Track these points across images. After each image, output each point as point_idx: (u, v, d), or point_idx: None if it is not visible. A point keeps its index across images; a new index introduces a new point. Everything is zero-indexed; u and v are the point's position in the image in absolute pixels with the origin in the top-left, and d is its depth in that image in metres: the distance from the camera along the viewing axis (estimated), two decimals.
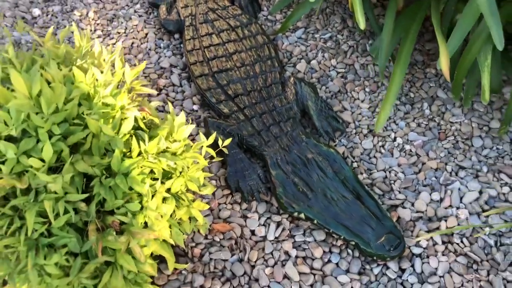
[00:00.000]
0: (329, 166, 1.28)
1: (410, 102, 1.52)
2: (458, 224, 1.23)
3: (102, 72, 0.99)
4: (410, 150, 1.40)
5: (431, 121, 1.47)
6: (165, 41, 1.76)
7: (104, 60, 1.06)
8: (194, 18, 1.72)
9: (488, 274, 1.15)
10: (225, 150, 1.20)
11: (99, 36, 1.78)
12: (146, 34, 1.78)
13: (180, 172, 1.04)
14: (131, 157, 0.97)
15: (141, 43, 1.76)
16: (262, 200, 1.31)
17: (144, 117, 1.04)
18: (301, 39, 1.73)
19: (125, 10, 1.89)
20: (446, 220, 1.24)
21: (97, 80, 0.96)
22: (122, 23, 1.83)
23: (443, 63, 1.18)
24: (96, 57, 1.04)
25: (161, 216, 0.99)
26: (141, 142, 0.97)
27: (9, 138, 0.89)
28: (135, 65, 1.66)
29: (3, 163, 0.87)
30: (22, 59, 1.02)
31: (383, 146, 1.42)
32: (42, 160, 0.87)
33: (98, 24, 1.83)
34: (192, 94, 1.58)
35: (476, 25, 1.25)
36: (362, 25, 1.38)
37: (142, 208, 0.97)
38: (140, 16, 1.86)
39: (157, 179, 1.00)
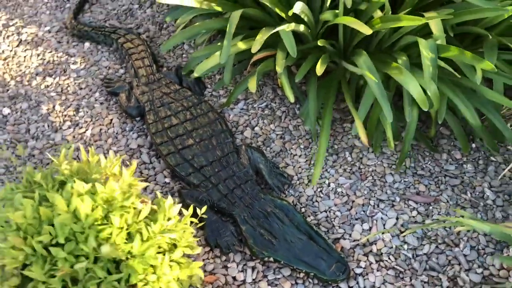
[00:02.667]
0: (284, 216, 1.66)
1: (335, 153, 1.95)
2: (385, 246, 1.66)
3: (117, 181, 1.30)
4: (342, 192, 1.82)
5: (353, 166, 1.90)
6: (129, 124, 2.06)
7: (108, 169, 1.36)
8: (152, 103, 2.04)
9: (411, 280, 1.58)
10: (204, 216, 1.54)
11: (69, 127, 2.05)
12: (111, 120, 2.08)
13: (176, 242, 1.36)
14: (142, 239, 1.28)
15: (108, 129, 2.05)
16: (237, 251, 1.66)
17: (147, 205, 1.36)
18: (244, 110, 2.11)
19: (87, 99, 2.17)
20: (375, 244, 1.66)
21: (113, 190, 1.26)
22: (87, 112, 2.11)
23: (360, 132, 1.62)
24: (102, 168, 1.34)
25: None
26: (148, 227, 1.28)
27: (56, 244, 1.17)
28: (107, 150, 1.94)
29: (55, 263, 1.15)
30: (45, 178, 1.29)
31: (321, 191, 1.83)
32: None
33: (65, 115, 2.10)
34: (162, 169, 1.90)
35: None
36: (291, 98, 1.80)
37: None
38: (101, 103, 2.15)
39: (159, 252, 1.32)
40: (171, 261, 1.33)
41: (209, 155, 1.85)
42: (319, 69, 1.60)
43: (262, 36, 1.73)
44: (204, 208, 1.46)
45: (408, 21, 1.49)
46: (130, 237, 1.27)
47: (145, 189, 1.82)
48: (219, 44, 1.98)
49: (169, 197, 1.40)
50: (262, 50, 1.92)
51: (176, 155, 1.86)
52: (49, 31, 2.51)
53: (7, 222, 1.21)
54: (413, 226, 1.70)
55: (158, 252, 1.31)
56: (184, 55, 2.38)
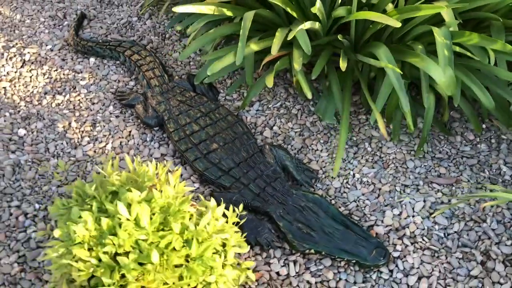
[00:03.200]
0: (318, 208, 1.71)
1: (355, 144, 2.01)
2: (417, 228, 1.72)
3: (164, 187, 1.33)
4: (367, 181, 1.88)
5: (374, 156, 1.97)
6: (148, 134, 2.08)
7: (157, 176, 1.39)
8: (170, 111, 2.06)
9: (446, 257, 1.65)
10: (241, 215, 1.57)
11: (88, 142, 2.05)
12: (130, 132, 2.09)
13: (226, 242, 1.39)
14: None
15: (128, 141, 2.06)
16: (277, 247, 1.69)
17: (197, 209, 1.39)
18: (259, 111, 2.16)
19: (101, 113, 2.18)
20: (408, 227, 1.73)
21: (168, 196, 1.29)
22: (104, 126, 2.12)
23: (380, 123, 1.69)
24: (152, 176, 1.36)
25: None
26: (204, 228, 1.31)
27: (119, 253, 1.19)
28: (134, 158, 1.96)
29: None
30: (96, 190, 1.31)
31: (347, 182, 1.89)
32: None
33: (83, 131, 2.10)
34: (189, 175, 1.92)
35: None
36: (309, 95, 1.86)
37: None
38: (117, 116, 2.16)
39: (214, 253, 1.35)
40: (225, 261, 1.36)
41: (235, 157, 1.89)
42: (342, 64, 1.66)
43: (279, 37, 1.78)
44: (241, 207, 1.50)
45: (427, 10, 1.56)
46: (186, 241, 1.29)
47: None
48: (228, 47, 2.02)
49: (212, 199, 1.43)
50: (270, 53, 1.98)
51: (204, 160, 1.88)
52: (52, 50, 2.50)
53: (68, 236, 1.21)
54: (440, 207, 1.77)
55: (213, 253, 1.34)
56: (191, 63, 2.41)
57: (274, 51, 1.75)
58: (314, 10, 1.66)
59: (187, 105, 2.09)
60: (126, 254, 1.19)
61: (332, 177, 1.90)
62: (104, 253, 1.17)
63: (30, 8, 2.76)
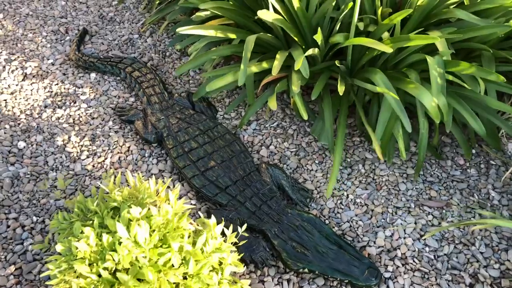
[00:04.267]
0: (313, 228, 1.75)
1: (349, 166, 2.06)
2: (408, 250, 1.77)
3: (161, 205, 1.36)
4: (361, 202, 1.93)
5: (367, 177, 2.02)
6: (147, 150, 2.12)
7: (157, 192, 1.42)
8: (169, 128, 2.10)
9: (436, 279, 1.69)
10: (245, 234, 1.60)
11: (87, 157, 2.08)
12: (129, 148, 2.12)
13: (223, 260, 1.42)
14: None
15: (127, 156, 2.09)
16: (271, 265, 1.73)
17: (195, 228, 1.42)
18: (256, 130, 2.20)
19: (101, 128, 2.21)
20: (399, 249, 1.77)
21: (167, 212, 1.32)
22: (103, 141, 2.15)
23: (377, 148, 1.74)
24: (153, 192, 1.40)
25: None
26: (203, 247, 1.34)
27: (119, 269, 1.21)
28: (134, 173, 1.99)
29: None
30: (98, 206, 1.34)
31: (341, 203, 1.93)
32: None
33: (82, 145, 2.13)
34: (186, 191, 1.95)
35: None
36: (305, 116, 1.91)
37: None
38: (116, 132, 2.19)
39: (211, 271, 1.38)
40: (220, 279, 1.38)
41: (232, 175, 1.93)
42: (340, 88, 1.72)
43: (280, 59, 1.84)
44: (245, 227, 1.53)
45: (419, 40, 1.63)
46: (184, 259, 1.32)
47: None
48: (229, 67, 2.08)
49: (212, 216, 1.46)
50: (271, 74, 2.04)
51: (201, 177, 1.92)
52: (53, 64, 2.54)
53: (69, 251, 1.24)
54: (431, 230, 1.82)
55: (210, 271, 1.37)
56: (191, 81, 2.46)
57: (275, 72, 1.80)
58: (317, 38, 1.72)
59: (186, 122, 2.13)
60: (126, 270, 1.22)
61: (326, 197, 1.94)
62: (104, 269, 1.19)
63: (33, 23, 2.81)
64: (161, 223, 1.29)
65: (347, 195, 1.96)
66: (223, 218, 1.79)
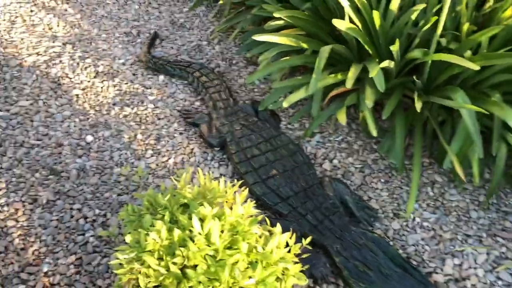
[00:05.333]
0: (378, 248, 1.67)
1: (417, 188, 1.97)
2: (479, 281, 1.65)
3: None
4: (428, 226, 1.83)
5: (436, 201, 1.92)
6: (209, 154, 2.11)
7: (226, 192, 1.40)
8: (233, 134, 2.10)
9: None
10: (307, 247, 1.55)
11: (151, 155, 2.10)
12: (192, 150, 2.13)
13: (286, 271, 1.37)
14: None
15: (190, 158, 2.10)
16: (331, 282, 1.66)
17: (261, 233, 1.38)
18: (320, 143, 2.16)
19: (166, 129, 2.23)
20: (469, 279, 1.66)
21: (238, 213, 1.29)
22: (168, 141, 2.17)
23: (457, 167, 1.65)
24: (222, 192, 1.38)
25: None
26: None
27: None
28: (191, 179, 1.98)
29: None
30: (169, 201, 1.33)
31: (407, 225, 1.84)
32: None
33: (147, 144, 2.16)
34: (246, 198, 1.92)
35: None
36: (375, 133, 1.85)
37: None
38: (181, 133, 2.21)
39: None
40: None
41: (294, 185, 1.88)
42: (417, 104, 1.65)
43: (354, 72, 1.80)
44: (309, 239, 1.48)
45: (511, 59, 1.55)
46: (250, 263, 1.29)
47: None
48: (299, 78, 2.05)
49: (278, 224, 1.42)
50: (340, 86, 2.00)
51: (262, 185, 1.89)
52: (124, 64, 2.61)
53: (137, 243, 1.23)
54: (505, 262, 1.70)
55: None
56: (255, 90, 2.46)
57: (349, 85, 1.76)
58: (394, 48, 1.68)
59: (250, 129, 2.12)
60: (193, 268, 1.19)
61: (391, 218, 1.86)
62: (173, 263, 1.18)
63: (107, 24, 2.91)
64: (231, 224, 1.26)
65: (414, 217, 1.86)
66: (283, 228, 1.74)
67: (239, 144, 2.05)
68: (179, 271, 1.17)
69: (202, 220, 1.23)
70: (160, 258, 1.19)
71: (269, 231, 1.43)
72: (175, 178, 1.48)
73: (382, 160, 2.08)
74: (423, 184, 1.98)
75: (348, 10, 1.86)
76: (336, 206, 1.83)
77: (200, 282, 1.15)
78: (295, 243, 1.46)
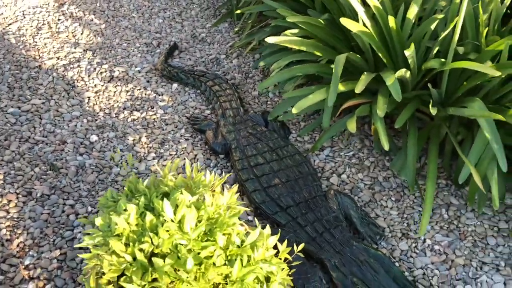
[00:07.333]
0: (380, 266, 1.52)
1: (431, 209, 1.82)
2: None
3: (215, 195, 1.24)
4: (439, 250, 1.67)
5: (450, 224, 1.76)
6: (213, 161, 2.03)
7: (213, 185, 1.31)
8: (238, 141, 2.02)
9: None
10: (300, 255, 1.43)
11: (153, 158, 2.04)
12: (195, 155, 2.06)
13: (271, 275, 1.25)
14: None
15: (192, 163, 2.02)
16: None
17: (246, 230, 1.28)
18: (329, 157, 2.05)
19: (172, 134, 2.18)
20: None
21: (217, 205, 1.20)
22: (172, 146, 2.11)
23: (477, 179, 1.50)
24: (208, 184, 1.29)
25: None
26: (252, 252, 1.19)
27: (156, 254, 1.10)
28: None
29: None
30: (148, 188, 1.25)
31: (416, 247, 1.68)
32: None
33: (150, 147, 2.10)
34: (245, 206, 1.82)
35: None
36: (386, 147, 1.72)
37: None
38: (187, 139, 2.15)
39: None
40: None
41: (295, 195, 1.77)
42: (433, 110, 1.54)
43: (365, 79, 1.70)
44: (302, 246, 1.36)
45: None
46: (229, 260, 1.18)
47: None
48: (312, 87, 1.97)
49: (267, 226, 1.31)
50: (354, 98, 1.90)
51: (262, 193, 1.79)
52: (139, 71, 2.61)
53: (109, 227, 1.15)
54: None
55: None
56: (268, 102, 2.39)
57: (359, 90, 1.67)
58: (409, 51, 1.58)
59: (256, 138, 2.03)
60: (162, 257, 1.09)
61: (399, 238, 1.71)
62: (140, 250, 1.08)
63: (130, 34, 2.94)
64: (211, 216, 1.16)
65: (424, 239, 1.71)
66: (280, 238, 1.62)
67: (244, 152, 1.96)
68: (145, 260, 1.08)
69: (178, 206, 1.14)
70: (127, 244, 1.10)
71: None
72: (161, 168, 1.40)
73: (395, 178, 1.94)
74: (437, 205, 1.83)
75: (362, 16, 1.79)
76: (338, 219, 1.70)
77: (166, 273, 1.05)
78: (289, 254, 1.35)
